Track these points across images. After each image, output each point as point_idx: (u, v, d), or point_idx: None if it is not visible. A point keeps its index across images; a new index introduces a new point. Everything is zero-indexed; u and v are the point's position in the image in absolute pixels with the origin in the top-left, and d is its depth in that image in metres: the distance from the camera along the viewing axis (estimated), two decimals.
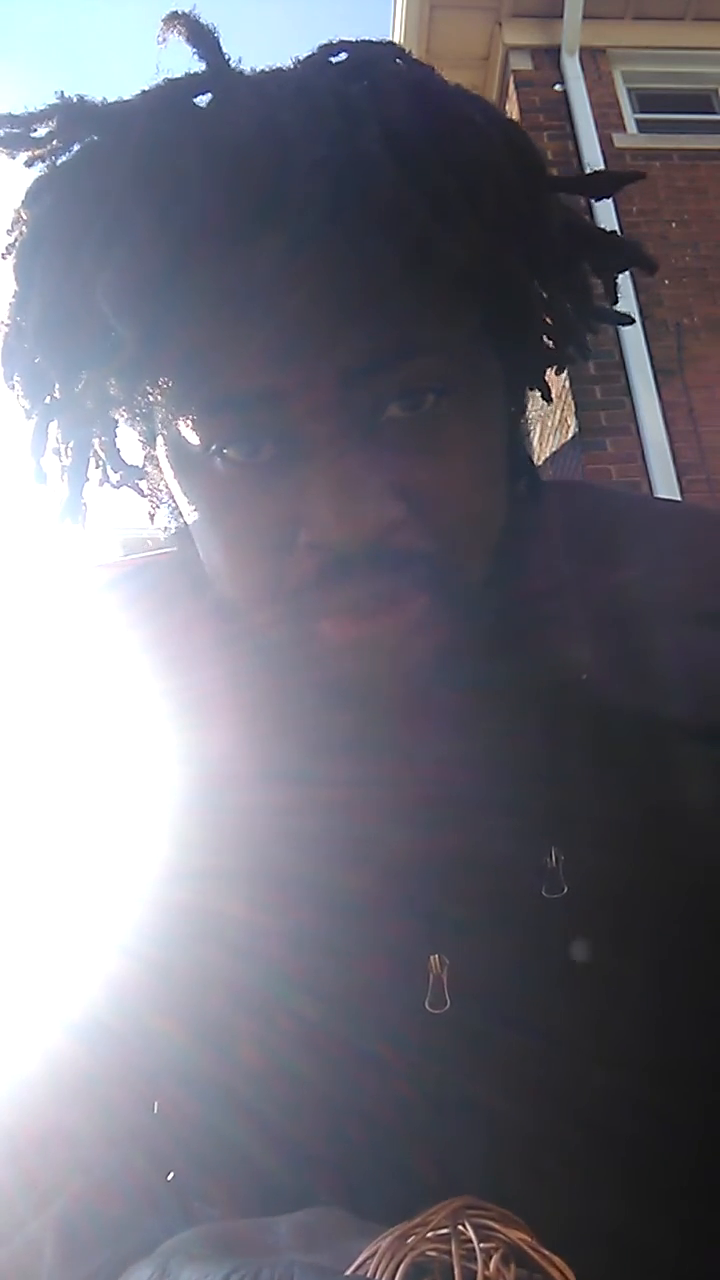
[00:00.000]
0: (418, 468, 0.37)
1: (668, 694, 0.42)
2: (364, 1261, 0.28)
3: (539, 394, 0.47)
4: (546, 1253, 0.29)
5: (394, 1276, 0.27)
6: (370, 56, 0.39)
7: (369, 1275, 0.27)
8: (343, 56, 0.39)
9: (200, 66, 0.37)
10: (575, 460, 3.91)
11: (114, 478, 0.45)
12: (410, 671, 0.39)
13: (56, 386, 0.39)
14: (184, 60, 0.38)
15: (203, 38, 0.38)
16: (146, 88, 0.37)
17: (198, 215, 0.33)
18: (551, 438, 4.30)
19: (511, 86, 4.55)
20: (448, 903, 0.41)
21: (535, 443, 4.57)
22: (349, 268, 0.34)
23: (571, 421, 3.99)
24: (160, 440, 0.42)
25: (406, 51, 0.41)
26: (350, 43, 0.40)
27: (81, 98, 0.38)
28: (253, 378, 0.36)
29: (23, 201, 0.38)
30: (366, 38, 0.41)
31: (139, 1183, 0.41)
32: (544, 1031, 0.40)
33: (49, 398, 0.40)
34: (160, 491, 0.46)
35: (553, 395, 0.47)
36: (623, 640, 0.43)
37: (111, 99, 0.39)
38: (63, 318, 0.36)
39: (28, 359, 0.39)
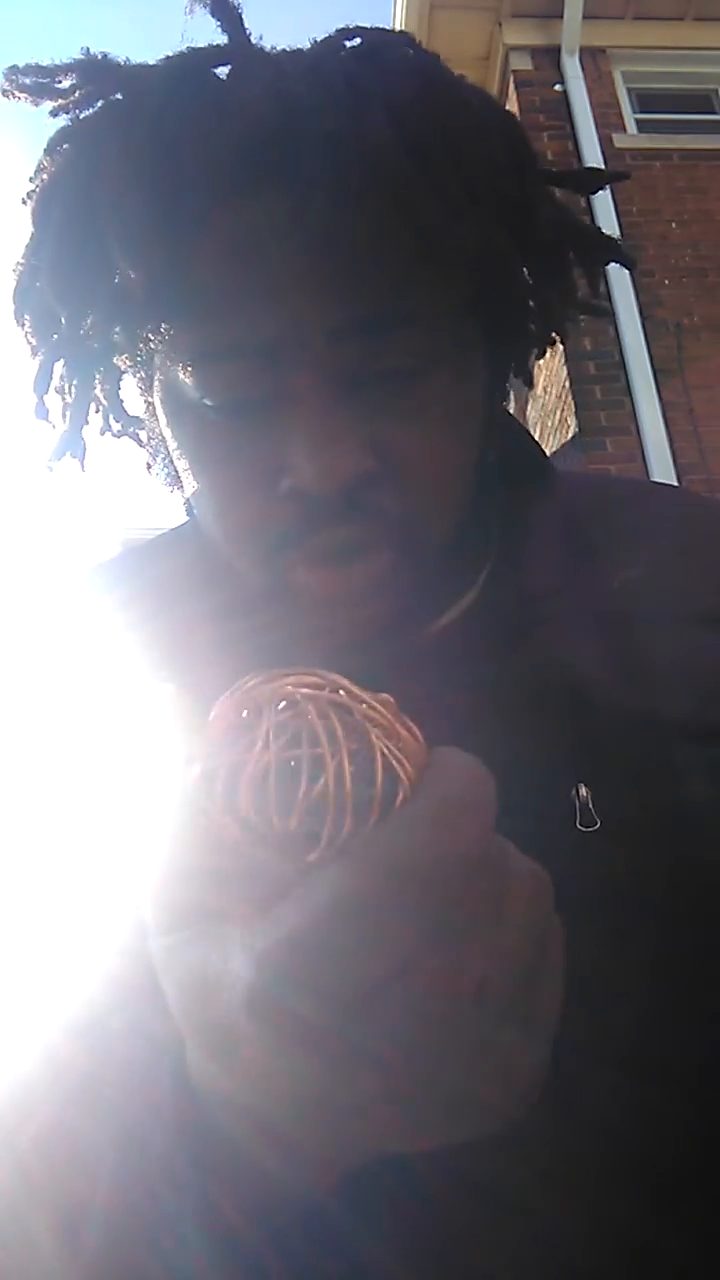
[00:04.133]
0: (395, 427, 0.40)
1: (667, 694, 0.42)
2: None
3: (523, 381, 0.49)
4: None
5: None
6: (382, 43, 0.42)
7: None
8: (356, 41, 0.42)
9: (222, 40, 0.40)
10: (575, 460, 3.91)
11: (115, 426, 0.47)
12: (368, 623, 0.41)
13: (64, 325, 0.41)
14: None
15: (226, 10, 0.41)
16: (169, 54, 0.40)
17: (208, 172, 0.36)
18: (551, 438, 4.30)
19: (511, 86, 4.55)
20: None
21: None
22: (346, 234, 0.36)
23: (571, 421, 3.99)
24: (157, 386, 0.44)
25: (417, 41, 0.44)
26: (365, 29, 0.43)
27: (105, 55, 0.41)
28: (247, 328, 0.38)
29: (45, 150, 0.41)
30: (380, 26, 0.44)
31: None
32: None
33: (55, 336, 0.42)
34: (157, 442, 0.48)
35: (535, 382, 0.49)
36: (622, 640, 0.43)
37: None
38: (74, 260, 0.39)
39: (39, 298, 0.41)
